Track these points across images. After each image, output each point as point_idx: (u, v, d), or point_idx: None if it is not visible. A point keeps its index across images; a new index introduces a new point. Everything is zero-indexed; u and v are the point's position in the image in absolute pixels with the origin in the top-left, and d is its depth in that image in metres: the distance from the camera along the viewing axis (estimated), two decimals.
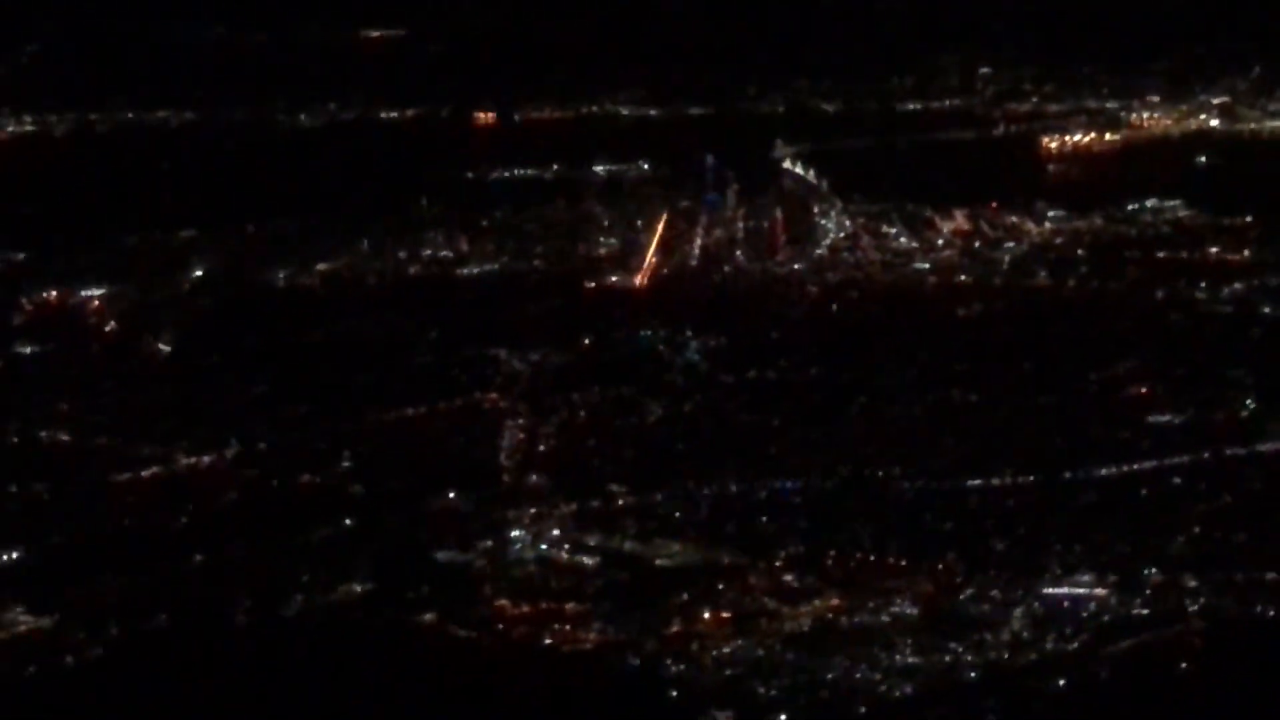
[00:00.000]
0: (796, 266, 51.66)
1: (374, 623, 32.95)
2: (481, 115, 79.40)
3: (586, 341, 44.44)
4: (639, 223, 57.04)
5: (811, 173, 60.94)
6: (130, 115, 79.92)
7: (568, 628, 32.00)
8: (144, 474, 38.26)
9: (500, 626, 32.45)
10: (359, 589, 33.68)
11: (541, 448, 38.64)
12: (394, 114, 79.87)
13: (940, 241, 53.00)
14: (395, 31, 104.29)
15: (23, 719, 31.20)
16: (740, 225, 56.58)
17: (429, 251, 54.67)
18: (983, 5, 79.95)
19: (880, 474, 36.19)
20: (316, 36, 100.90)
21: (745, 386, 41.13)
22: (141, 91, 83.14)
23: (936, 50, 78.51)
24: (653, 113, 76.45)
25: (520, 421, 39.84)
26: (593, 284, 50.75)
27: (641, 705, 29.91)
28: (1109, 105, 69.84)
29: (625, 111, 77.16)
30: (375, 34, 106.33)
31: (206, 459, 38.65)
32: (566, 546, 34.39)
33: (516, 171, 65.86)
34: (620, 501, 35.96)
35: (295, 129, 78.31)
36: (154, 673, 32.02)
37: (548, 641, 31.71)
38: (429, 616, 32.65)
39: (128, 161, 72.79)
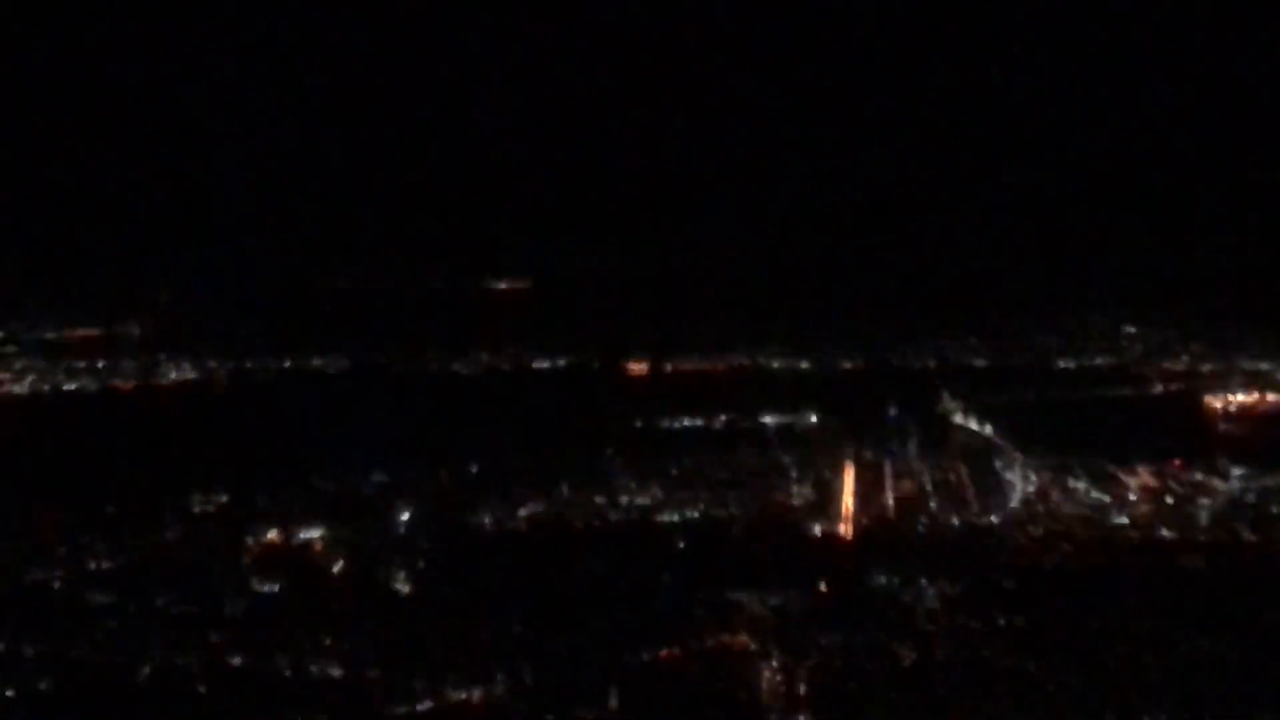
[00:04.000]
0: (994, 519, 52.86)
1: None
2: (633, 365, 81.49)
3: (823, 586, 45.52)
4: (826, 472, 58.60)
5: (989, 427, 62.69)
6: (287, 364, 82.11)
7: None
8: (419, 708, 39.43)
9: None
10: None
11: (802, 689, 39.70)
12: (545, 364, 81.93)
13: (1132, 496, 54.33)
14: (521, 283, 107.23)
15: None
16: (927, 477, 58.13)
17: (625, 498, 56.13)
18: (1125, 268, 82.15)
19: None
20: (443, 287, 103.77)
21: (995, 632, 42.17)
22: (293, 340, 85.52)
23: (1082, 309, 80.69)
24: (803, 365, 78.45)
25: (774, 663, 40.99)
26: (804, 531, 51.89)
27: None
28: (1262, 366, 71.72)
29: (776, 364, 79.21)
30: (503, 285, 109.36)
31: (477, 693, 39.82)
32: None
33: (685, 421, 67.53)
34: None
35: (451, 376, 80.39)
36: None
37: None
38: None
39: (291, 407, 74.72)
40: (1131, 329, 77.63)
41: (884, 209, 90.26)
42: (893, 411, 60.96)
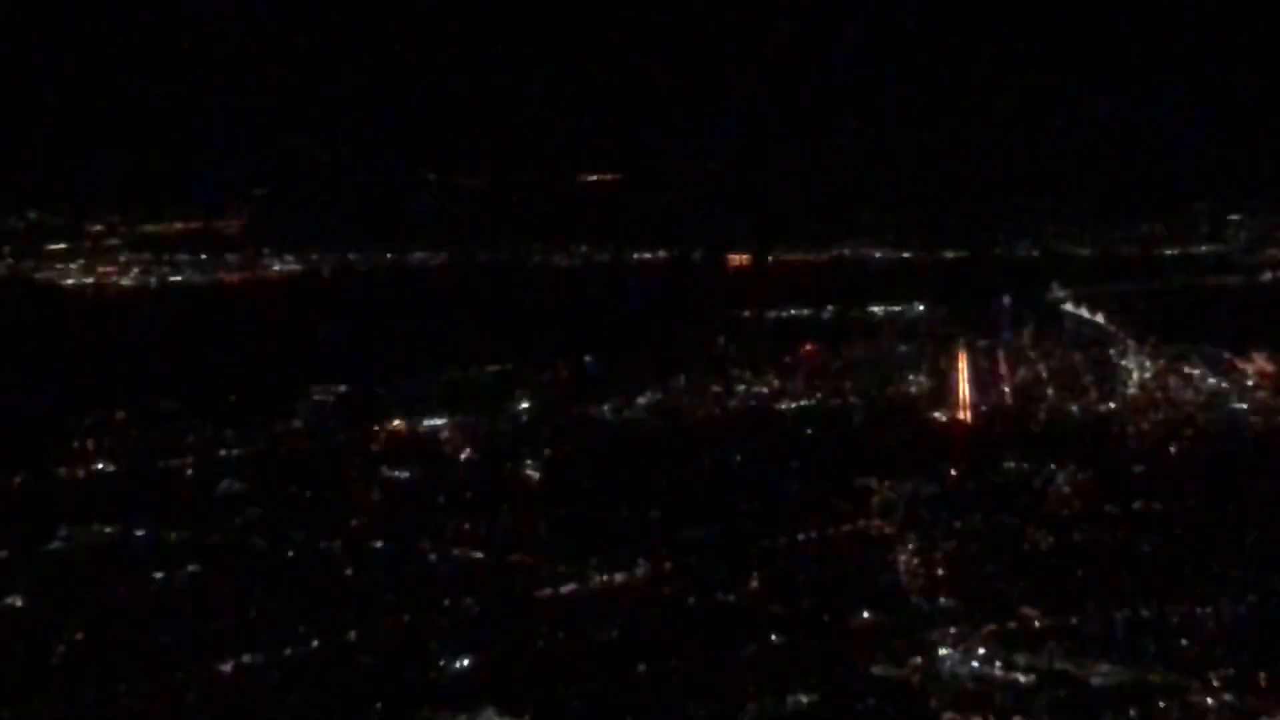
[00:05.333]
0: (1113, 405, 53.08)
1: None
2: (735, 257, 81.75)
3: (953, 472, 45.91)
4: (941, 361, 58.88)
5: (1100, 315, 62.78)
6: (389, 255, 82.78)
7: None
8: (563, 590, 40.05)
9: None
10: (805, 700, 35.30)
11: (940, 572, 40.18)
12: (647, 255, 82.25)
13: (1250, 383, 54.41)
14: (611, 176, 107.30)
15: None
16: (1043, 364, 58.33)
17: (742, 388, 56.58)
18: (1228, 155, 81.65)
19: None
20: (535, 182, 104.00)
21: (1130, 517, 42.55)
22: (390, 234, 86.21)
23: (1184, 198, 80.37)
24: (905, 255, 78.51)
25: (911, 547, 41.49)
26: (924, 418, 52.26)
27: None
28: None
29: (877, 255, 79.30)
30: (593, 178, 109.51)
31: (620, 577, 40.48)
32: (999, 664, 35.85)
33: (792, 311, 67.83)
34: (1037, 624, 37.34)
35: (552, 269, 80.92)
36: None
37: None
38: None
39: (397, 299, 75.39)
40: (1236, 216, 77.26)
41: (979, 97, 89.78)
42: (1006, 300, 61.03)
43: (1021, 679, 35.53)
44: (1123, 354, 57.75)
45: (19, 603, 39.56)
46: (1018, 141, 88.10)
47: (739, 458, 49.22)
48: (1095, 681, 35.25)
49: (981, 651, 36.22)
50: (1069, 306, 64.48)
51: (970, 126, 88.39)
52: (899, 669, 36.07)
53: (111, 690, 35.35)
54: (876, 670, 36.13)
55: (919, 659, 36.36)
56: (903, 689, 35.57)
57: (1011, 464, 46.56)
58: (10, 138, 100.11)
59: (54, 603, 39.68)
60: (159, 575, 41.66)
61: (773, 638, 37.40)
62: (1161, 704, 34.20)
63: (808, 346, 58.87)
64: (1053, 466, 45.96)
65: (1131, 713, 33.91)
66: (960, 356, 57.69)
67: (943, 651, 36.34)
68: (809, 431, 51.73)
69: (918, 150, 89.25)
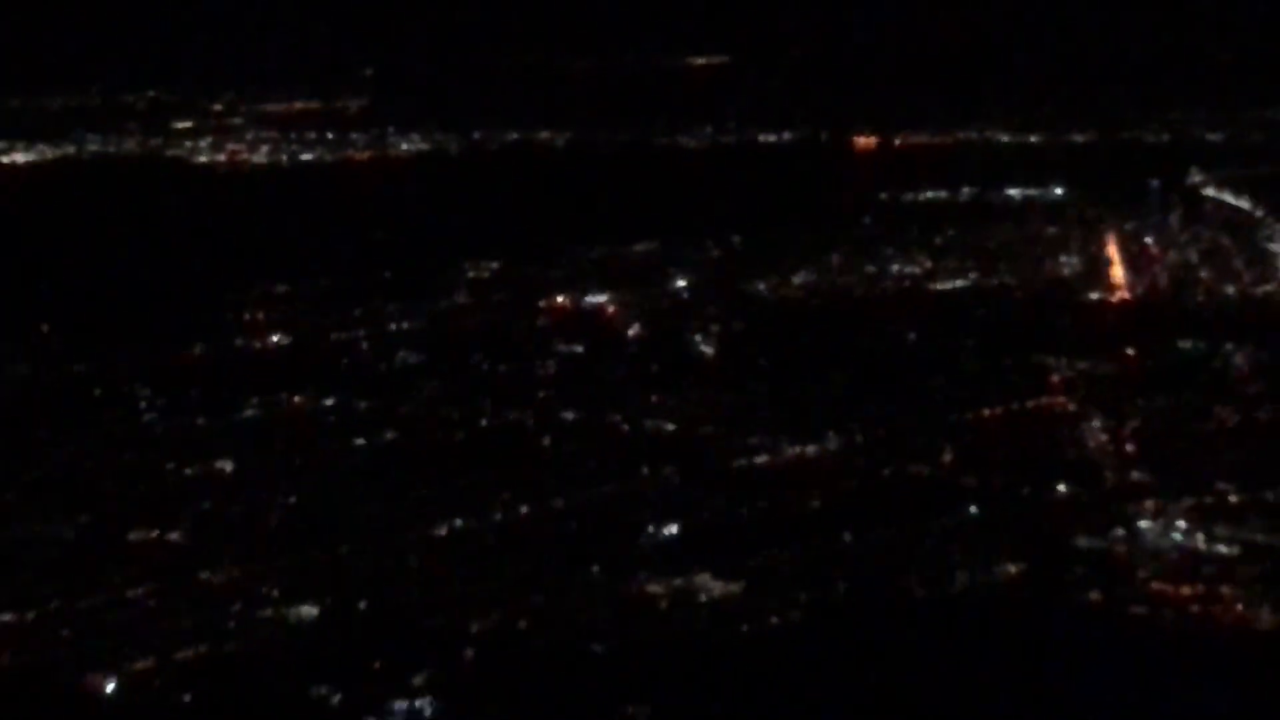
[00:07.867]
0: (1270, 288, 53.44)
1: (1040, 599, 35.27)
2: (861, 139, 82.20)
3: (1130, 351, 46.44)
4: (1090, 244, 59.33)
5: (1244, 199, 63.04)
6: (515, 135, 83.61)
7: (1239, 608, 34.17)
8: (756, 461, 40.84)
9: (1169, 607, 34.66)
10: (1014, 569, 36.01)
11: (1130, 448, 40.81)
12: (772, 137, 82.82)
13: None
14: (720, 59, 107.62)
15: (722, 676, 33.80)
16: (1192, 248, 58.70)
17: (896, 267, 57.14)
18: None
19: None
20: (643, 64, 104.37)
21: None
22: (518, 114, 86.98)
23: None
24: (1033, 139, 78.85)
25: (1097, 424, 42.10)
26: (1083, 299, 52.74)
27: None
28: None
29: (1005, 138, 79.60)
30: (701, 61, 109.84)
31: (811, 449, 41.26)
32: (1201, 537, 36.51)
33: (929, 194, 68.30)
34: (1233, 498, 37.97)
35: (678, 150, 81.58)
36: (838, 638, 34.50)
37: (1227, 621, 33.85)
38: (1094, 595, 34.84)
39: (528, 177, 76.19)
40: None
41: None
42: (1154, 183, 61.38)
43: (1225, 551, 36.01)
44: (1271, 237, 57.92)
45: (229, 468, 40.16)
46: (1139, 25, 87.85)
47: (912, 335, 49.62)
48: None
49: (1182, 524, 36.73)
50: (1210, 191, 64.65)
51: (1094, 9, 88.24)
52: (1102, 540, 36.58)
53: (334, 553, 36.03)
54: (1079, 542, 36.67)
55: (1120, 531, 36.80)
56: (1108, 559, 36.10)
57: (1187, 343, 46.82)
58: (121, 17, 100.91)
59: (262, 468, 40.40)
60: (359, 442, 42.32)
61: (971, 509, 37.87)
62: None
63: None
64: (1229, 346, 46.23)
65: None
66: (1109, 239, 58.06)
67: (1143, 524, 36.88)
68: (974, 311, 51.95)
69: (1041, 32, 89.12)
